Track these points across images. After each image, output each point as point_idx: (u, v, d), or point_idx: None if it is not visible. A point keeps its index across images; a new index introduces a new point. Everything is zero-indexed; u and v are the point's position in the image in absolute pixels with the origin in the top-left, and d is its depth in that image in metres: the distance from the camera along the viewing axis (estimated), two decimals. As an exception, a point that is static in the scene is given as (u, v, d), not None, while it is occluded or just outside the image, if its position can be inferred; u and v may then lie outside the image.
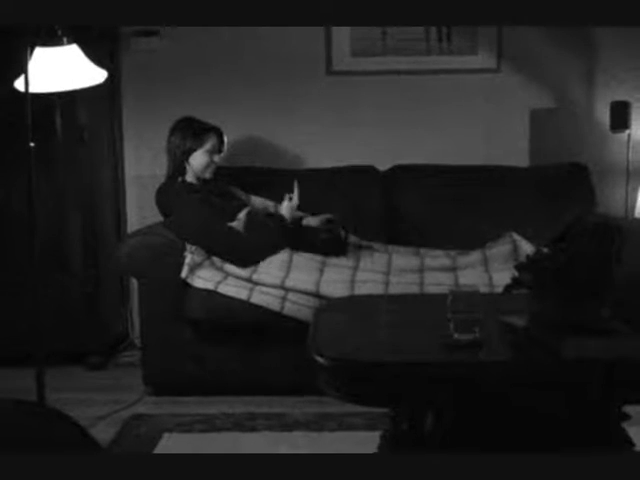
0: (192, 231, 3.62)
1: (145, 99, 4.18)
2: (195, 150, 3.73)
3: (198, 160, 3.73)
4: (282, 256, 3.58)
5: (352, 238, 3.80)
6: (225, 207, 3.72)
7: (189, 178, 3.76)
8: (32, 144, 2.72)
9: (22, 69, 2.67)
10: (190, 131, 3.73)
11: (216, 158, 3.76)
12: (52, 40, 2.74)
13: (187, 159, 3.73)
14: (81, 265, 3.90)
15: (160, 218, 3.75)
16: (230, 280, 3.50)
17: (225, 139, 3.82)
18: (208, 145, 3.72)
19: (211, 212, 3.66)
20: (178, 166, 3.75)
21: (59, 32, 2.73)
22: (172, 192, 3.70)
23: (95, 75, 2.88)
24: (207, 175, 3.77)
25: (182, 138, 3.72)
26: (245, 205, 3.80)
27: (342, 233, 3.72)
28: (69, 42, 2.77)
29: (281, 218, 3.68)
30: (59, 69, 2.77)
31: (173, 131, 3.75)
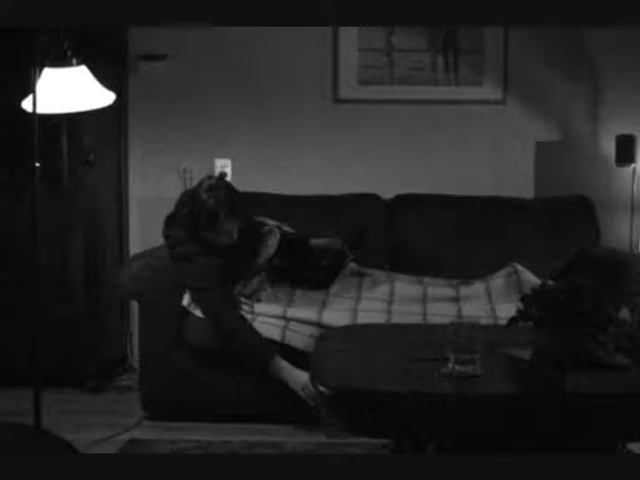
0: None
1: (151, 122, 4.19)
2: None
3: None
4: (285, 290, 3.56)
5: (355, 266, 3.78)
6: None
7: None
8: (37, 164, 2.71)
9: (30, 89, 2.66)
10: None
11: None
12: (61, 61, 2.74)
13: None
14: (82, 286, 3.89)
15: (162, 241, 3.72)
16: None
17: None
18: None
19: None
20: None
21: (68, 53, 2.73)
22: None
23: (103, 97, 2.88)
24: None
25: None
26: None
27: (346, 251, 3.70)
28: (78, 63, 2.76)
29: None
30: (67, 90, 2.77)
31: None
